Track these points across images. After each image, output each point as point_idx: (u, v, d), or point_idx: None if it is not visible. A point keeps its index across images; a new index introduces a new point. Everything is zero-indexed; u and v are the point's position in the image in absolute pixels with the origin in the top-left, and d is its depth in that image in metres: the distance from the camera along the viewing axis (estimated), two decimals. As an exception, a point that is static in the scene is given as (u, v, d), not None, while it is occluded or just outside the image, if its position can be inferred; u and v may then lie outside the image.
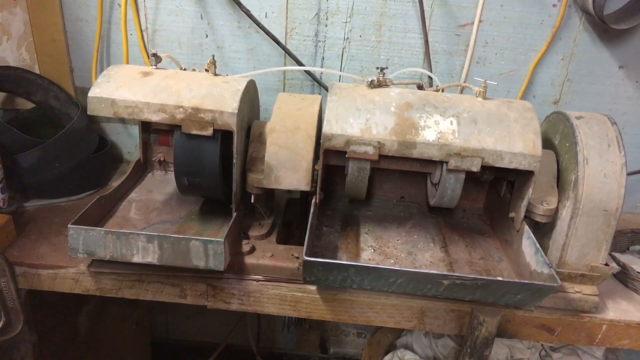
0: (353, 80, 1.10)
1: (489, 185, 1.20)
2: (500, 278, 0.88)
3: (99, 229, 0.91)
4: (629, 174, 0.94)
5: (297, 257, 1.02)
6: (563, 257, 0.97)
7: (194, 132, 0.94)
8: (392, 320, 1.00)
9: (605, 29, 1.25)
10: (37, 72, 1.36)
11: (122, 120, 1.46)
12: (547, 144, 1.06)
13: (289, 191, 1.22)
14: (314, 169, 1.00)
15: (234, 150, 0.97)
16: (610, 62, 1.30)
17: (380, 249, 1.05)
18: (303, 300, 1.00)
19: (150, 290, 1.01)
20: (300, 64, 1.32)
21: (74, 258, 0.99)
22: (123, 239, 0.90)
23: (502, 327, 0.99)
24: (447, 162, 0.94)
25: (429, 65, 1.28)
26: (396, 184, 1.25)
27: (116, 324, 1.56)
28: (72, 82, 1.39)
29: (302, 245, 0.88)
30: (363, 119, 0.94)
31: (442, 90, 1.08)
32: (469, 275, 0.86)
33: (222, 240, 0.90)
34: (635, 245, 1.26)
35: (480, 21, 1.18)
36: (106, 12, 1.32)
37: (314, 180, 1.01)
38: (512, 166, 0.93)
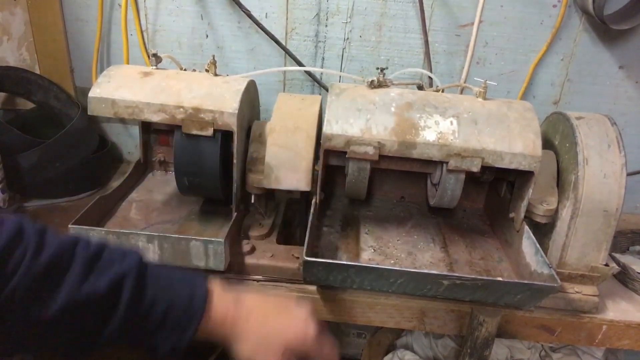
0: (353, 81, 1.10)
1: (489, 185, 1.20)
2: (500, 278, 0.88)
3: (100, 229, 0.91)
4: (629, 175, 0.94)
5: (298, 258, 1.02)
6: (563, 257, 0.97)
7: (194, 132, 0.95)
8: (392, 320, 1.00)
9: (606, 29, 1.25)
10: (38, 72, 1.36)
11: (123, 121, 1.46)
12: (547, 144, 1.06)
13: (289, 191, 1.22)
14: (314, 169, 1.00)
15: (234, 150, 0.97)
16: (611, 62, 1.30)
17: (381, 249, 1.05)
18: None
19: (151, 291, 1.00)
20: (300, 64, 1.32)
21: (74, 258, 0.99)
22: (123, 239, 0.90)
23: (502, 328, 0.99)
24: (447, 163, 0.94)
25: (429, 65, 1.28)
26: (396, 184, 1.25)
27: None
28: (72, 82, 1.39)
29: (302, 245, 0.88)
30: (363, 119, 0.94)
31: (442, 91, 1.08)
32: (469, 276, 0.86)
33: (223, 240, 0.90)
34: (635, 245, 1.26)
35: (480, 21, 1.18)
36: (106, 13, 1.32)
37: (314, 181, 1.01)
38: (512, 166, 0.93)
